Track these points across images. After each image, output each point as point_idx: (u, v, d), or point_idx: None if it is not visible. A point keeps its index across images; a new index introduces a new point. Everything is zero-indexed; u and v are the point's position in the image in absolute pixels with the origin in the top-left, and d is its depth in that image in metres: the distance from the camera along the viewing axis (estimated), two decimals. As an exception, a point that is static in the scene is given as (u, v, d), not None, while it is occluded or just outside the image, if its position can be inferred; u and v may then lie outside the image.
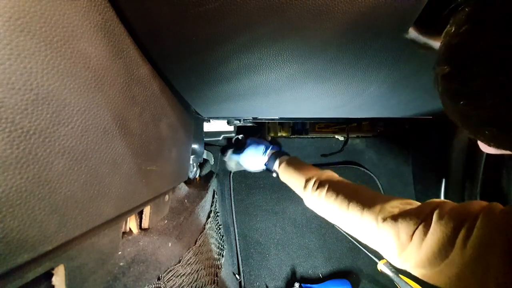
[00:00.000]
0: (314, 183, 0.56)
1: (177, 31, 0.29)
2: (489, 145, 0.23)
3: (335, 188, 0.52)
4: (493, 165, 0.80)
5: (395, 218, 0.41)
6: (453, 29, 0.21)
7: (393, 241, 0.40)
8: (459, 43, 0.21)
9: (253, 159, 0.77)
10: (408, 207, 0.42)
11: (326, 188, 0.53)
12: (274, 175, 0.72)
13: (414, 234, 0.37)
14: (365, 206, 0.46)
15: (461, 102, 0.21)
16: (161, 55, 0.35)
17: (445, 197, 0.85)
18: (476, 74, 0.20)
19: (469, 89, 0.21)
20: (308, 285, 0.96)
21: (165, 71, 0.38)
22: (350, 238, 0.99)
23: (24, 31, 0.19)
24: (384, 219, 0.42)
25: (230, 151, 0.87)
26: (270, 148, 0.75)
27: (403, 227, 0.39)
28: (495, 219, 0.29)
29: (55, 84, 0.22)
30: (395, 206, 0.43)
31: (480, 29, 0.19)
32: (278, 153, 0.73)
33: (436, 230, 0.35)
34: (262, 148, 0.76)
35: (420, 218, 0.38)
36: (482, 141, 0.24)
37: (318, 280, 1.01)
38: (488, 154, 0.76)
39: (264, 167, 0.76)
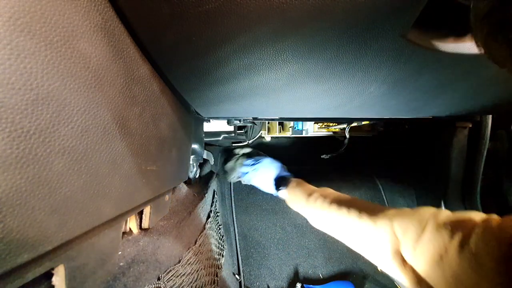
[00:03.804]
0: (318, 196, 0.60)
1: (177, 31, 0.29)
2: None
3: (336, 197, 0.57)
4: (493, 165, 0.80)
5: (391, 216, 0.42)
6: None
7: (388, 239, 0.41)
8: None
9: (266, 176, 0.79)
10: (406, 210, 0.43)
11: (328, 198, 0.57)
12: (281, 194, 0.74)
13: (408, 231, 0.38)
14: (363, 209, 0.48)
15: None
16: (161, 55, 0.35)
17: (445, 197, 0.85)
18: None
19: None
20: (310, 285, 0.96)
21: (165, 71, 0.38)
22: (350, 238, 0.99)
23: (24, 31, 0.19)
24: (382, 218, 0.43)
25: (236, 161, 0.86)
26: (283, 170, 0.78)
27: (398, 223, 0.40)
28: (492, 227, 0.30)
29: (55, 84, 0.22)
30: (393, 209, 0.45)
31: None
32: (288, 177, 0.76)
33: (432, 233, 0.35)
34: (277, 167, 0.79)
35: (416, 218, 0.38)
36: None
37: (320, 281, 1.01)
38: (488, 154, 0.76)
39: (274, 187, 0.77)
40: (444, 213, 0.37)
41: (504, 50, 0.19)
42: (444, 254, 0.33)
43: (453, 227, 0.34)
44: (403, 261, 0.38)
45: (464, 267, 0.31)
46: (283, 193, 0.72)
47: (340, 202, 0.54)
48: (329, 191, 0.61)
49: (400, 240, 0.39)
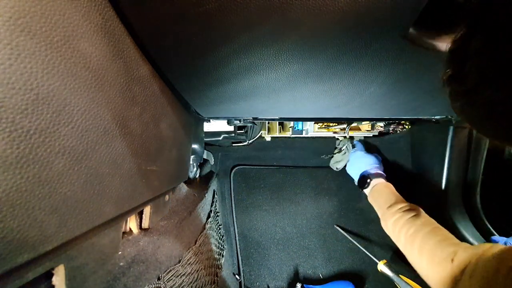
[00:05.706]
0: (403, 207, 0.63)
1: (177, 31, 0.29)
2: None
3: (413, 221, 0.58)
4: (493, 165, 0.80)
5: (453, 254, 0.46)
6: (453, 36, 0.24)
7: (446, 274, 0.45)
8: (457, 47, 0.24)
9: (354, 169, 0.86)
10: (468, 248, 0.47)
11: (411, 214, 0.60)
12: (366, 189, 0.78)
13: (466, 269, 0.41)
14: (432, 243, 0.52)
15: (461, 102, 0.24)
16: (161, 55, 0.35)
17: (445, 197, 0.85)
18: (470, 72, 0.22)
19: (466, 87, 0.23)
20: (310, 286, 0.96)
21: (165, 71, 0.38)
22: (350, 239, 0.99)
23: (24, 31, 0.19)
24: (444, 259, 0.47)
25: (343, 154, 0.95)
26: (373, 166, 0.82)
27: (457, 261, 0.44)
28: (499, 251, 0.34)
29: (55, 84, 0.22)
30: (458, 248, 0.48)
31: (473, 32, 0.22)
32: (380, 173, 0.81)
33: (483, 266, 0.38)
34: (373, 160, 0.85)
35: (473, 253, 0.42)
36: (489, 136, 0.26)
37: (320, 281, 1.00)
38: (487, 155, 0.76)
39: (359, 176, 0.82)
40: (497, 247, 0.40)
41: (457, 107, 0.25)
42: (493, 284, 0.35)
43: (502, 257, 0.36)
44: None
45: None
46: (367, 191, 0.77)
47: (412, 229, 0.56)
48: (419, 209, 0.62)
49: (458, 276, 0.42)
